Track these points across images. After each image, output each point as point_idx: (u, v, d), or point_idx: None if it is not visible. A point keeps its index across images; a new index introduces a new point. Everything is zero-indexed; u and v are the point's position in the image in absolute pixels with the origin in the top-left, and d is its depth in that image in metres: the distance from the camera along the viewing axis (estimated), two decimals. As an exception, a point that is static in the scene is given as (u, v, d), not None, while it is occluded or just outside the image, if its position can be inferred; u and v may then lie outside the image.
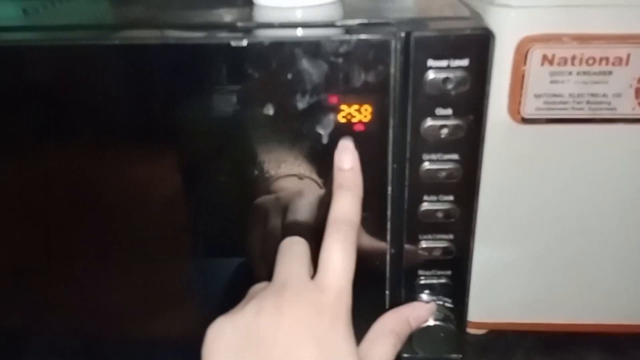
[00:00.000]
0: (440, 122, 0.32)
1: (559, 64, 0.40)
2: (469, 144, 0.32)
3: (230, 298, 0.39)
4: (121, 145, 0.34)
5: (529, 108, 0.41)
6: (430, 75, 0.31)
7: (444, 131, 0.32)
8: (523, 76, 0.40)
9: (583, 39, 0.39)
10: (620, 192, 0.45)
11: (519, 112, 0.41)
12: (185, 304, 0.41)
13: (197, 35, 0.32)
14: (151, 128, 0.34)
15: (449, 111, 0.32)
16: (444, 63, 0.31)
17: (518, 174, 0.45)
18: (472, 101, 0.31)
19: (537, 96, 0.41)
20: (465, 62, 0.30)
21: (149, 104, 0.33)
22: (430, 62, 0.31)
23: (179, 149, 0.34)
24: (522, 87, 0.40)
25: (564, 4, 0.38)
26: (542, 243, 0.47)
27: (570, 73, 0.40)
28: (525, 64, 0.40)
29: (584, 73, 0.40)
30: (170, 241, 0.38)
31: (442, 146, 0.33)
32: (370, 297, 0.38)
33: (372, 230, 0.35)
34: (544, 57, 0.39)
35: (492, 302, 0.51)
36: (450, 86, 0.31)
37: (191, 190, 0.35)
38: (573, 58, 0.39)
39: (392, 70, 0.31)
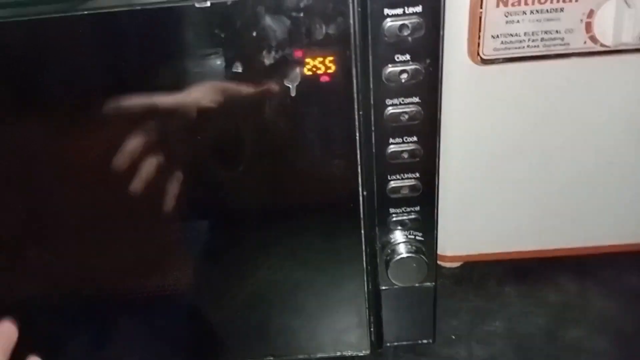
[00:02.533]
0: (400, 67, 0.34)
1: (513, 5, 0.41)
2: (428, 86, 0.35)
3: (211, 256, 0.42)
4: (95, 113, 0.35)
5: (487, 49, 0.43)
6: (388, 23, 0.33)
7: (404, 76, 0.34)
8: (480, 18, 0.42)
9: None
10: (580, 122, 0.48)
11: (478, 54, 0.43)
12: (171, 263, 0.44)
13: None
14: (123, 95, 0.35)
15: (407, 57, 0.34)
16: (399, 11, 0.32)
17: (483, 113, 0.47)
18: (428, 45, 0.33)
19: (494, 37, 0.43)
20: (419, 9, 0.32)
21: (119, 71, 0.34)
22: (387, 11, 0.32)
23: (152, 114, 0.36)
24: (479, 29, 0.42)
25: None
26: (510, 177, 0.50)
27: (524, 12, 0.42)
28: (481, 6, 0.41)
29: (537, 11, 0.42)
30: (152, 205, 0.40)
31: (404, 90, 0.35)
32: (346, 237, 0.40)
33: (344, 175, 0.38)
34: (498, -1, 0.41)
35: (465, 235, 0.55)
36: (406, 32, 0.33)
37: (166, 153, 0.37)
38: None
39: (351, 21, 0.32)
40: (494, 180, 0.51)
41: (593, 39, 0.42)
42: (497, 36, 0.43)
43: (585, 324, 0.49)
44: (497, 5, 0.42)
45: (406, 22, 0.33)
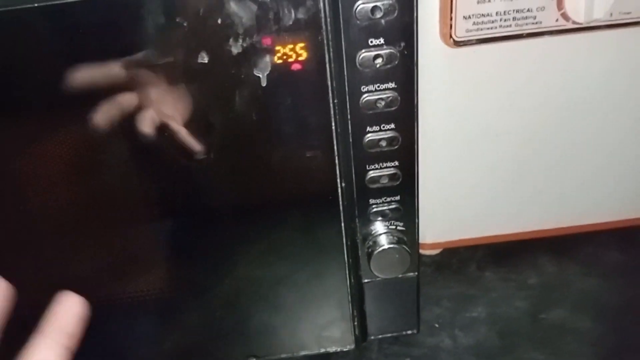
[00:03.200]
0: (374, 52, 0.32)
1: (484, -16, 0.40)
2: (404, 70, 0.33)
3: (186, 254, 0.41)
4: (61, 109, 0.33)
5: (460, 30, 0.42)
6: (360, 5, 0.31)
7: (379, 61, 0.33)
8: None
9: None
10: (555, 102, 0.47)
11: (450, 36, 0.42)
12: (151, 265, 0.42)
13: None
14: (87, 89, 0.33)
15: (381, 40, 0.32)
16: (371, -8, 0.31)
17: (459, 96, 0.46)
18: (401, 28, 0.32)
19: (466, 18, 0.42)
20: (391, -11, 0.31)
21: (80, 65, 0.32)
22: (358, -7, 0.31)
23: (119, 108, 0.33)
24: (451, 11, 0.41)
25: None
26: (487, 160, 0.50)
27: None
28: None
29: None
30: (123, 204, 0.38)
31: (379, 76, 0.33)
32: (326, 230, 0.39)
33: (322, 167, 0.36)
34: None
35: (444, 222, 0.54)
36: (379, 15, 0.31)
37: (135, 149, 0.35)
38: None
39: (321, 4, 0.31)
40: (470, 163, 0.50)
41: (565, 16, 0.42)
42: (469, 17, 0.42)
43: (566, 304, 0.49)
44: (468, -15, 0.41)
45: (378, 3, 0.31)
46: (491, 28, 0.42)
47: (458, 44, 0.42)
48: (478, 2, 0.41)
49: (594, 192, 0.52)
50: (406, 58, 0.33)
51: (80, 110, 0.33)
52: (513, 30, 0.42)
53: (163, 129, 0.34)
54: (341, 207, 0.38)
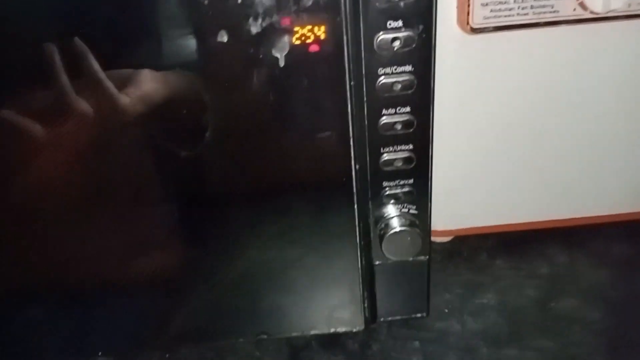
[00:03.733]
0: (392, 34, 0.33)
1: (502, -29, 0.41)
2: (421, 54, 0.34)
3: (200, 236, 0.41)
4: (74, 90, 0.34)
5: (477, 17, 0.42)
6: (379, -13, 0.32)
7: (396, 44, 0.33)
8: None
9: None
10: (570, 91, 0.47)
11: (468, 23, 0.42)
12: (166, 247, 0.43)
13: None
14: (107, 69, 0.33)
15: (400, 23, 0.32)
16: (390, -26, 0.31)
17: (473, 83, 0.47)
18: (421, 11, 0.32)
19: (484, 5, 0.42)
20: (411, -28, 0.31)
21: (101, 45, 0.33)
22: (378, -25, 0.31)
23: (135, 89, 0.34)
24: (469, -2, 0.41)
25: None
26: (499, 148, 0.50)
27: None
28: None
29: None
30: (138, 186, 0.39)
31: (396, 59, 0.34)
32: (339, 212, 0.39)
33: (336, 149, 0.37)
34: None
35: (456, 209, 0.54)
36: (398, -3, 0.32)
37: (148, 130, 0.35)
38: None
39: (341, -14, 0.31)
40: (483, 152, 0.50)
41: (582, 5, 0.42)
42: (487, 4, 0.42)
43: (576, 294, 0.49)
44: (487, -28, 0.41)
45: (398, -14, 0.31)
46: (508, 15, 0.42)
47: (475, 30, 0.43)
48: (496, -10, 0.41)
49: (605, 183, 0.52)
50: (424, 41, 0.33)
51: (95, 89, 0.33)
52: (530, 18, 0.43)
53: (178, 108, 0.34)
54: (355, 190, 0.38)
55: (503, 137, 0.49)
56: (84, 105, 0.33)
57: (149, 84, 0.33)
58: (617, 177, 0.52)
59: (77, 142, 0.36)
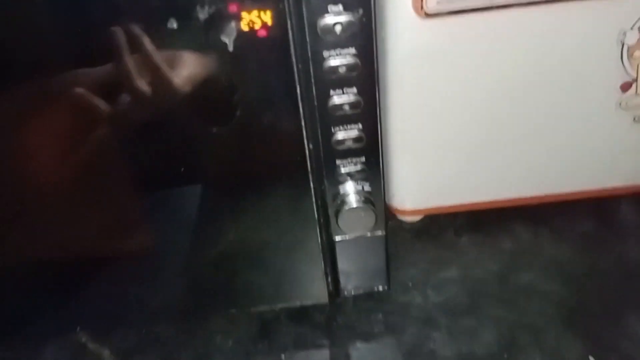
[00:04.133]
0: (334, 19, 0.35)
1: (453, -46, 0.42)
2: (363, 37, 0.35)
3: (165, 219, 0.44)
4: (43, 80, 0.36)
5: (431, 2, 0.44)
6: (318, -27, 0.33)
7: (338, 27, 0.35)
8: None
9: None
10: (527, 72, 0.49)
11: (422, 8, 0.44)
12: (133, 230, 0.45)
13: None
14: (65, 63, 0.35)
15: (340, 7, 0.34)
16: (329, -40, 0.33)
17: (433, 67, 0.48)
18: (358, -5, 0.34)
19: (429, -11, 0.43)
20: (348, -43, 0.33)
21: (53, 41, 0.35)
22: (317, -39, 0.33)
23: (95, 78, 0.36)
24: (422, -18, 0.43)
25: None
26: (462, 129, 0.51)
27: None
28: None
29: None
30: (99, 174, 0.41)
31: (339, 42, 0.35)
32: (297, 191, 0.41)
33: (289, 129, 0.39)
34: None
35: (422, 190, 0.56)
36: (337, -17, 0.33)
37: (112, 116, 0.37)
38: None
39: (281, -27, 0.33)
40: (445, 132, 0.52)
41: (533, -13, 0.43)
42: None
43: (537, 268, 0.51)
44: (438, -44, 0.42)
45: (336, -28, 0.33)
46: (461, 0, 0.44)
47: (429, 15, 0.44)
48: (448, -27, 0.43)
49: (569, 161, 0.53)
50: (365, 25, 0.35)
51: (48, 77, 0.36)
52: (483, 2, 0.44)
53: (137, 95, 0.37)
54: (309, 169, 0.40)
55: (466, 118, 0.51)
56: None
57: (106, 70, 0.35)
58: (581, 155, 0.54)
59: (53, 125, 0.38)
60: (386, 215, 0.43)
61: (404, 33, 0.45)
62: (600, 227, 0.54)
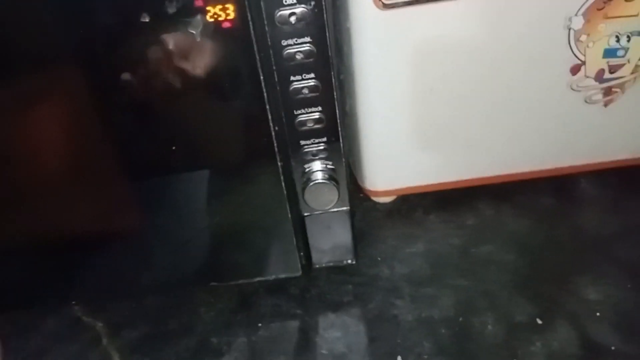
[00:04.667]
0: (289, 10, 0.38)
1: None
2: (316, 26, 0.39)
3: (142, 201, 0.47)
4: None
5: (388, -6, 0.48)
6: (272, -33, 0.37)
7: (293, 18, 0.39)
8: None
9: None
10: (483, 57, 0.52)
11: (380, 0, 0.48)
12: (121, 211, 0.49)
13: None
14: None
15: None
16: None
17: (391, 54, 0.52)
18: (309, -12, 0.38)
19: (393, -18, 0.47)
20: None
21: (25, 33, 0.38)
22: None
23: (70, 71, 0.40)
24: (378, -25, 0.47)
25: None
26: (424, 113, 0.55)
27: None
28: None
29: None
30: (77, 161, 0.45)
31: (295, 31, 0.39)
32: (266, 170, 0.45)
33: (255, 113, 0.42)
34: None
35: (393, 171, 0.60)
36: (289, -23, 0.37)
37: (81, 108, 0.41)
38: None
39: (240, -31, 0.37)
40: (411, 117, 0.56)
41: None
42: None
43: (497, 241, 0.54)
44: (393, -49, 0.46)
45: (289, -34, 0.37)
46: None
47: (387, 6, 0.48)
48: (403, -33, 0.46)
49: (527, 142, 0.57)
50: (317, 15, 0.39)
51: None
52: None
53: (115, 83, 0.40)
54: (276, 150, 0.44)
55: (427, 103, 0.54)
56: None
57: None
58: (538, 135, 0.57)
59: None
60: (349, 190, 0.47)
61: (366, 23, 0.49)
62: (558, 202, 0.58)
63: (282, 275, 0.52)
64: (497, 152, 0.58)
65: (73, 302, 0.53)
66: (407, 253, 0.54)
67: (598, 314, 0.46)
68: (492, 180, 0.60)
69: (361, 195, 0.60)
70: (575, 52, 0.52)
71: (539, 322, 0.46)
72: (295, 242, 0.50)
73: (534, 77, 0.53)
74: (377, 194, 0.61)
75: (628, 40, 0.52)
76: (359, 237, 0.53)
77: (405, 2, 0.48)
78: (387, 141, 0.57)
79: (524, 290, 0.49)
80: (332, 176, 0.46)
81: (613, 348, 0.44)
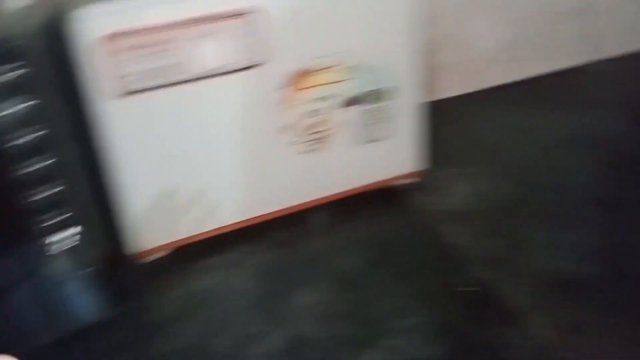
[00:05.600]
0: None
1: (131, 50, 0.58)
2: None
3: None
4: None
5: (129, 82, 0.59)
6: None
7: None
8: (110, 66, 0.58)
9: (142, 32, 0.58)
10: (210, 129, 0.66)
11: (122, 87, 0.59)
12: None
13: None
14: None
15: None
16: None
17: (137, 130, 0.63)
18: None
19: (122, 76, 0.59)
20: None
21: None
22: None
23: None
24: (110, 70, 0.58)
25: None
26: (178, 174, 0.67)
27: (140, 54, 0.59)
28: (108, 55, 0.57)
29: (152, 53, 0.59)
30: None
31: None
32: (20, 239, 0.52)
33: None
34: (120, 49, 0.58)
35: (158, 229, 0.69)
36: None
37: None
38: (137, 46, 0.58)
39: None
40: (168, 178, 0.66)
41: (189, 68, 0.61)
42: (124, 76, 0.58)
43: (246, 272, 0.68)
44: (122, 53, 0.58)
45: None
46: (140, 82, 0.59)
47: (130, 93, 0.60)
48: (126, 63, 0.58)
49: (262, 190, 0.71)
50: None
51: None
52: (164, 81, 0.60)
53: None
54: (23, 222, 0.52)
55: (179, 166, 0.66)
56: None
57: None
58: (268, 184, 0.71)
59: None
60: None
61: (114, 107, 0.60)
62: (290, 234, 0.74)
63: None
64: (237, 201, 0.71)
65: None
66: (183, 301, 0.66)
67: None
68: (250, 222, 0.72)
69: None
70: (281, 117, 0.67)
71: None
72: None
73: (255, 137, 0.68)
74: (145, 253, 0.69)
75: (323, 102, 0.69)
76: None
77: (144, 88, 0.60)
78: (150, 202, 0.66)
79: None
80: (76, 245, 0.54)
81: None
